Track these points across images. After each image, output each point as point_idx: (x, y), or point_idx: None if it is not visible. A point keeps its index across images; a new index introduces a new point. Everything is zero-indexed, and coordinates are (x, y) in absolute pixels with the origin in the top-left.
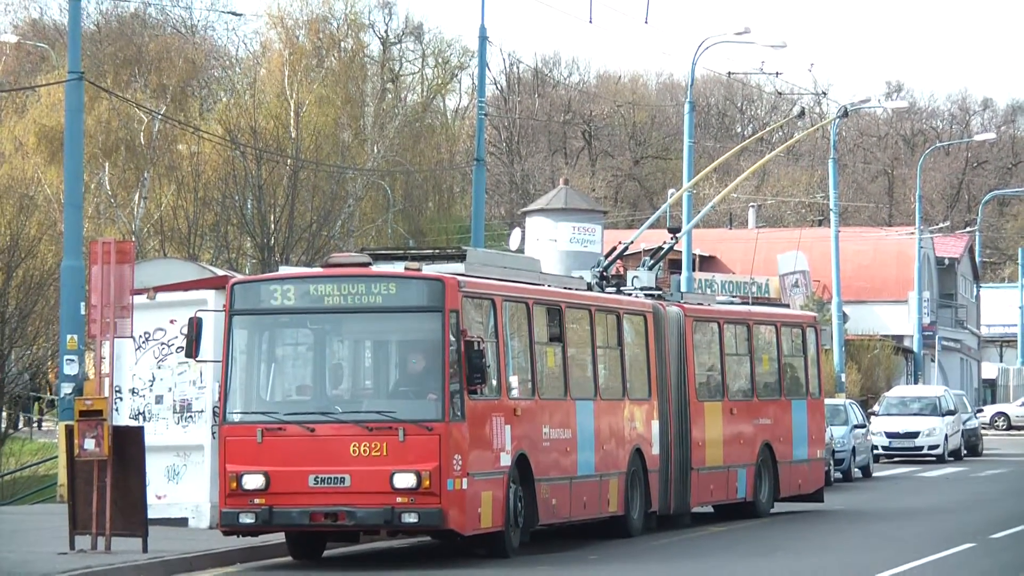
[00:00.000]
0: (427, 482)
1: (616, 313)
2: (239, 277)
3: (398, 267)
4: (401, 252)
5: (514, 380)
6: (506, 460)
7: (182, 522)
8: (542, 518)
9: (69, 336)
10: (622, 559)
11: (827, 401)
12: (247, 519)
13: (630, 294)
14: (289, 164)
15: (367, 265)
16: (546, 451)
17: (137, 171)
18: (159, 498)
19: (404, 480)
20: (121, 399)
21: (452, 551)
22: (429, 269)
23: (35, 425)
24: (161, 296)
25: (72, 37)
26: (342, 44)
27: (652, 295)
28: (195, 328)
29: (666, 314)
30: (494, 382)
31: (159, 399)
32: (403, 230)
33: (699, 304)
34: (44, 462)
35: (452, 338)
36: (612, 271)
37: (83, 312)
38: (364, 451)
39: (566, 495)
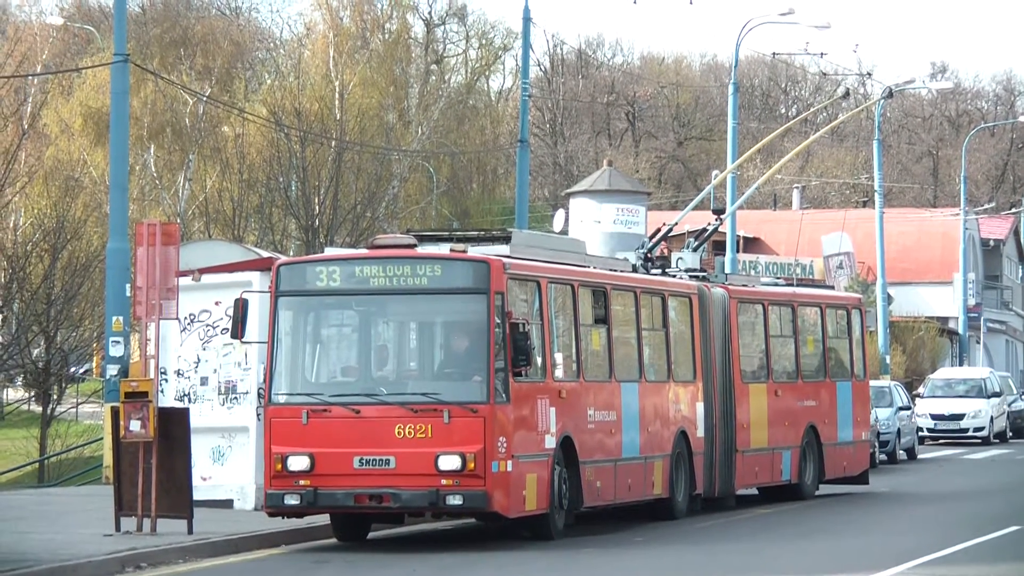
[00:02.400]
0: (472, 464)
1: (661, 295)
2: (285, 259)
3: (443, 249)
4: (446, 234)
5: (559, 357)
6: (551, 442)
7: (227, 504)
8: (587, 501)
9: (115, 318)
10: (667, 541)
11: (872, 383)
12: (292, 500)
13: (675, 276)
14: (333, 146)
15: (412, 247)
16: (591, 433)
17: (182, 153)
18: (204, 480)
19: (449, 462)
20: (166, 381)
21: (497, 533)
22: (474, 251)
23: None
24: (206, 278)
25: (118, 19)
26: (386, 26)
27: (697, 277)
28: (241, 309)
29: (711, 296)
30: (539, 364)
31: (204, 381)
32: (447, 212)
33: (743, 286)
34: (90, 444)
35: (497, 320)
36: (656, 252)
37: (128, 294)
38: (409, 433)
39: (611, 477)
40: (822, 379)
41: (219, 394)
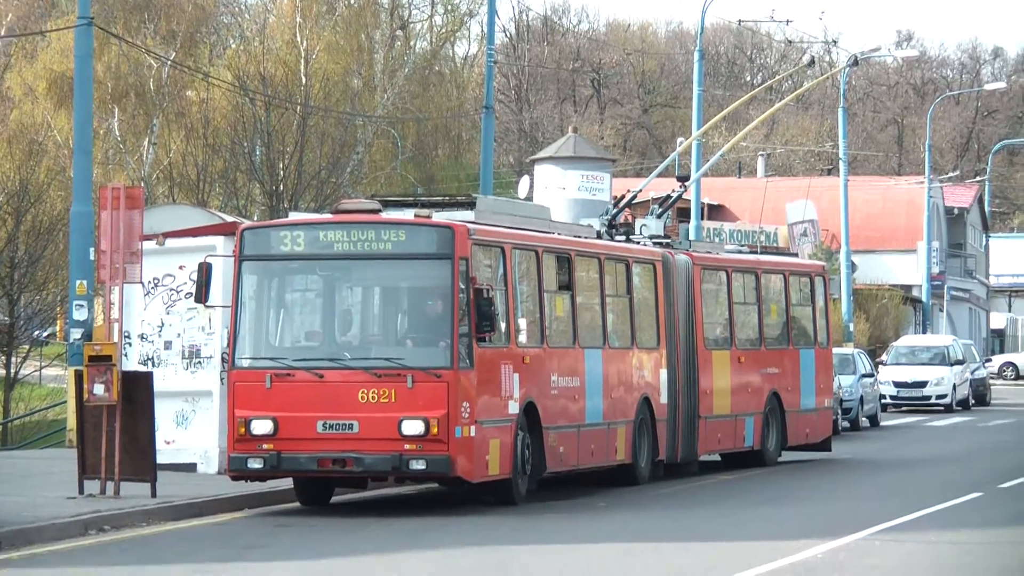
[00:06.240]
0: (435, 429)
1: (625, 261)
2: (249, 223)
3: (408, 214)
4: (411, 199)
5: (523, 323)
6: (514, 408)
7: (191, 467)
8: (549, 466)
9: (78, 281)
10: (630, 507)
11: (836, 350)
12: (255, 464)
13: (638, 242)
14: (298, 111)
15: (377, 212)
16: (554, 399)
17: (146, 117)
18: (168, 443)
19: (412, 427)
20: (130, 345)
21: (460, 498)
22: (439, 216)
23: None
24: (170, 242)
25: None
26: None
27: (660, 243)
28: (204, 273)
29: (675, 262)
30: (503, 329)
31: (168, 345)
32: (413, 177)
33: (707, 252)
34: (53, 407)
35: (462, 286)
36: (620, 219)
37: (92, 258)
38: (372, 398)
39: (574, 443)
40: (785, 346)
41: (183, 358)
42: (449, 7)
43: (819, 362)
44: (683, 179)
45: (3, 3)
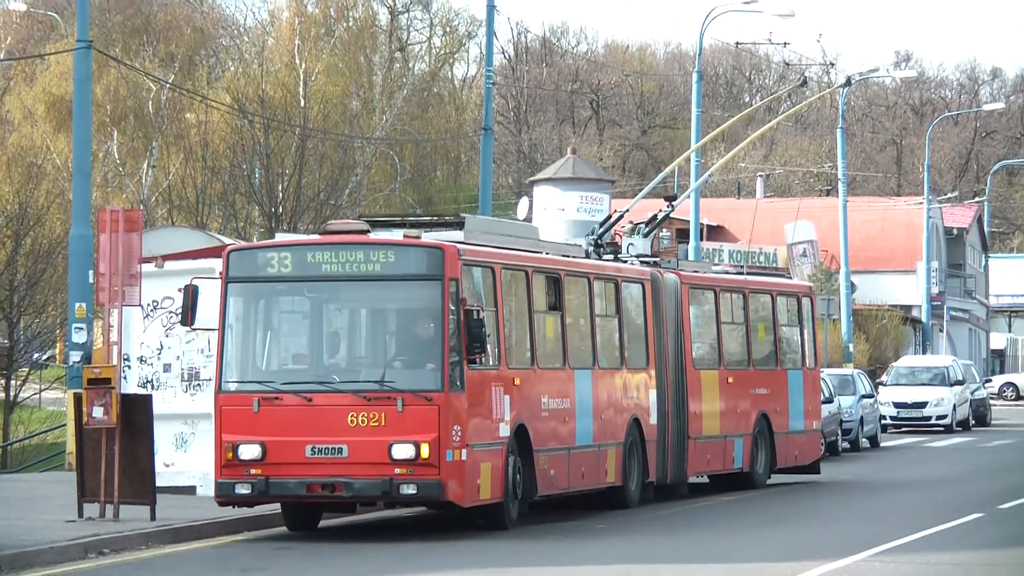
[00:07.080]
0: (426, 453)
1: (615, 281)
2: (235, 244)
3: (396, 235)
4: (399, 219)
5: (513, 344)
6: (505, 431)
7: (190, 490)
8: (541, 489)
9: (77, 304)
10: (625, 531)
11: (835, 371)
12: (243, 489)
13: (625, 261)
14: (297, 133)
15: (365, 232)
16: (545, 421)
17: (145, 140)
18: (167, 466)
19: (402, 451)
20: (129, 367)
21: (450, 522)
22: (428, 237)
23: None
24: (169, 264)
25: (80, 6)
26: (351, 13)
27: (648, 262)
28: (191, 295)
29: (664, 281)
30: (493, 351)
31: (167, 367)
32: (412, 199)
33: (695, 271)
34: (52, 430)
35: (452, 307)
36: (608, 239)
37: (91, 280)
38: (362, 421)
39: (564, 466)
40: (773, 367)
41: (182, 381)
42: (448, 29)
43: (807, 383)
44: (670, 199)
45: (2, 26)
